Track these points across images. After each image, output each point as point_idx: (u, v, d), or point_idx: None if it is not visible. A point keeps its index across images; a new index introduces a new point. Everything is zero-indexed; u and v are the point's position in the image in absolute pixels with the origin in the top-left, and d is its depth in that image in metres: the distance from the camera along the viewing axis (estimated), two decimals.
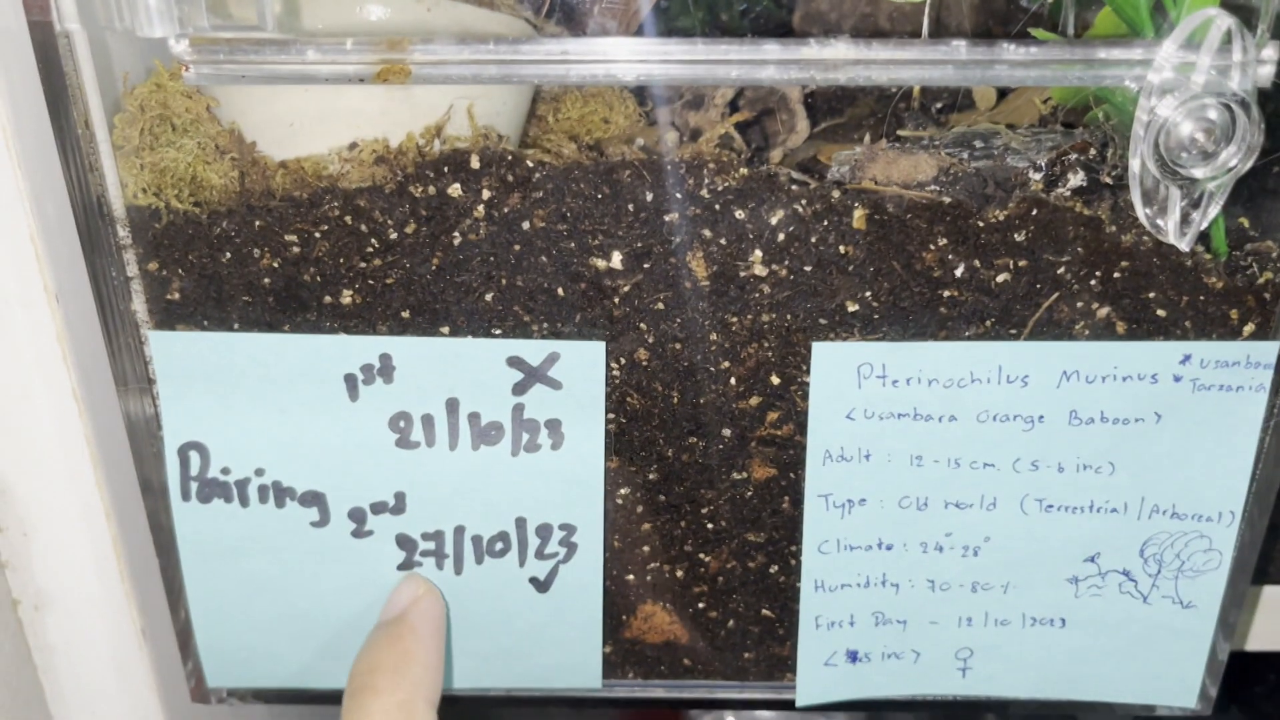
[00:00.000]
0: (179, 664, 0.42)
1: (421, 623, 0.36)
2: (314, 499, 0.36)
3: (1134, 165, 0.31)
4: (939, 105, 0.42)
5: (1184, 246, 0.31)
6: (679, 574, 0.38)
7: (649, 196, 0.32)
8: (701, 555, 0.38)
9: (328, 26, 0.38)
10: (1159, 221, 0.31)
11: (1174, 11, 0.32)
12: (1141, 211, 0.31)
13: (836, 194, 0.32)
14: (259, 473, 0.36)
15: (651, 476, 0.36)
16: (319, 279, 0.33)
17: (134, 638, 0.42)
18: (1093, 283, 0.33)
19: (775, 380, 0.35)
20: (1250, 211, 0.35)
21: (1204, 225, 0.31)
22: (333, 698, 0.41)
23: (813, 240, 0.33)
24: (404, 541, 0.37)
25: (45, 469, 0.38)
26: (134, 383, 0.35)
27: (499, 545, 0.37)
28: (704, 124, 0.41)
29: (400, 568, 0.37)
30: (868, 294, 0.33)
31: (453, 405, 0.35)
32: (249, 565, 0.37)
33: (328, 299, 0.34)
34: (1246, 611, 0.46)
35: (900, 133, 0.40)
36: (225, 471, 0.36)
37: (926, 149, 0.35)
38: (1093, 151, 0.34)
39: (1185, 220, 0.31)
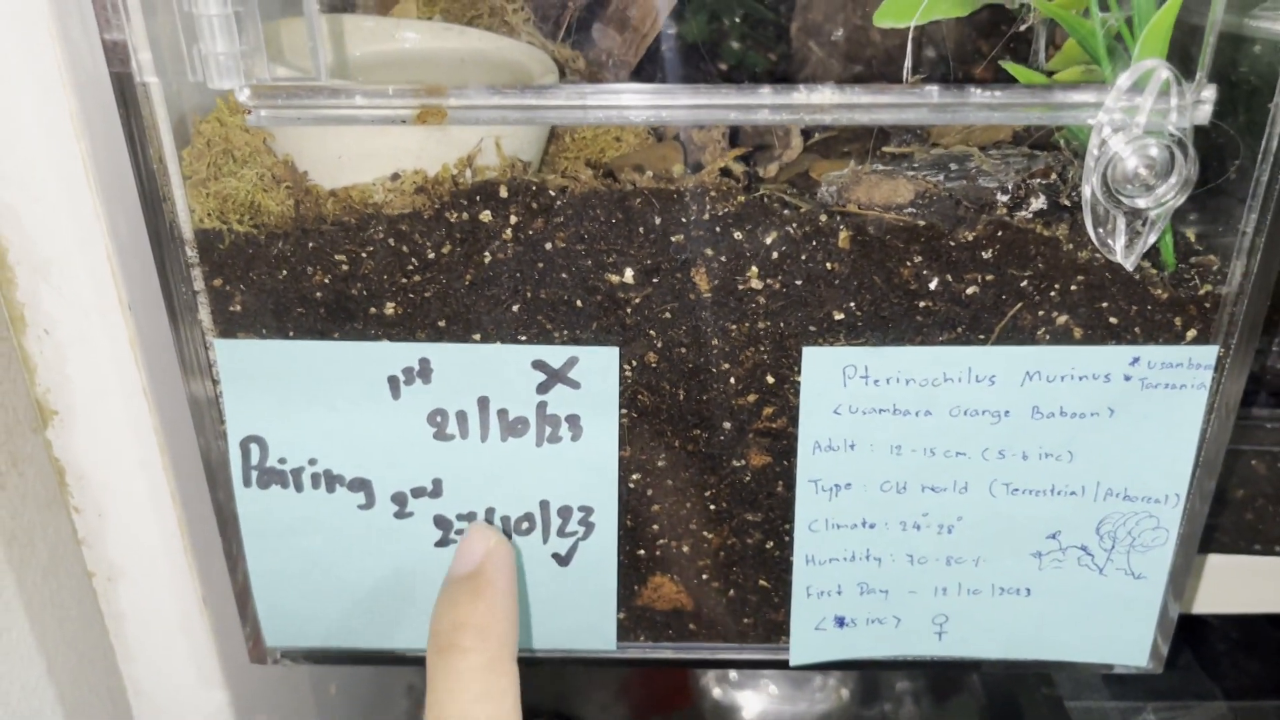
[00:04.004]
0: (237, 628, 0.46)
1: (498, 575, 0.36)
2: (360, 485, 0.40)
3: (1085, 193, 0.35)
4: None
5: (1129, 265, 0.35)
6: (685, 549, 0.43)
7: (658, 220, 0.36)
8: (705, 533, 0.42)
9: (365, 55, 0.42)
10: (1109, 242, 0.35)
11: (1131, 43, 0.36)
12: (1093, 233, 0.35)
13: (824, 217, 0.37)
14: (312, 462, 0.40)
15: (660, 464, 0.41)
16: (365, 293, 0.37)
17: (196, 605, 0.46)
18: (1052, 294, 0.37)
19: (770, 380, 0.39)
20: (1198, 224, 0.39)
21: (1146, 248, 0.35)
22: (374, 659, 0.46)
23: (803, 258, 0.37)
24: (440, 521, 0.41)
25: (118, 457, 0.43)
26: (199, 383, 0.40)
27: (525, 525, 0.41)
28: (707, 140, 0.45)
29: (437, 545, 0.41)
30: (852, 304, 0.37)
31: (483, 403, 0.39)
32: (303, 542, 0.42)
33: (373, 310, 0.38)
34: (1194, 578, 0.51)
35: (885, 149, 0.44)
36: (282, 461, 0.40)
37: (905, 172, 0.39)
38: (1054, 176, 0.38)
39: (1131, 242, 0.35)
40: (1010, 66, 0.39)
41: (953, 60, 0.49)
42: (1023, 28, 0.44)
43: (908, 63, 0.46)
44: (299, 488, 0.40)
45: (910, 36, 0.48)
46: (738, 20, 0.52)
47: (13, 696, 0.47)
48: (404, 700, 0.80)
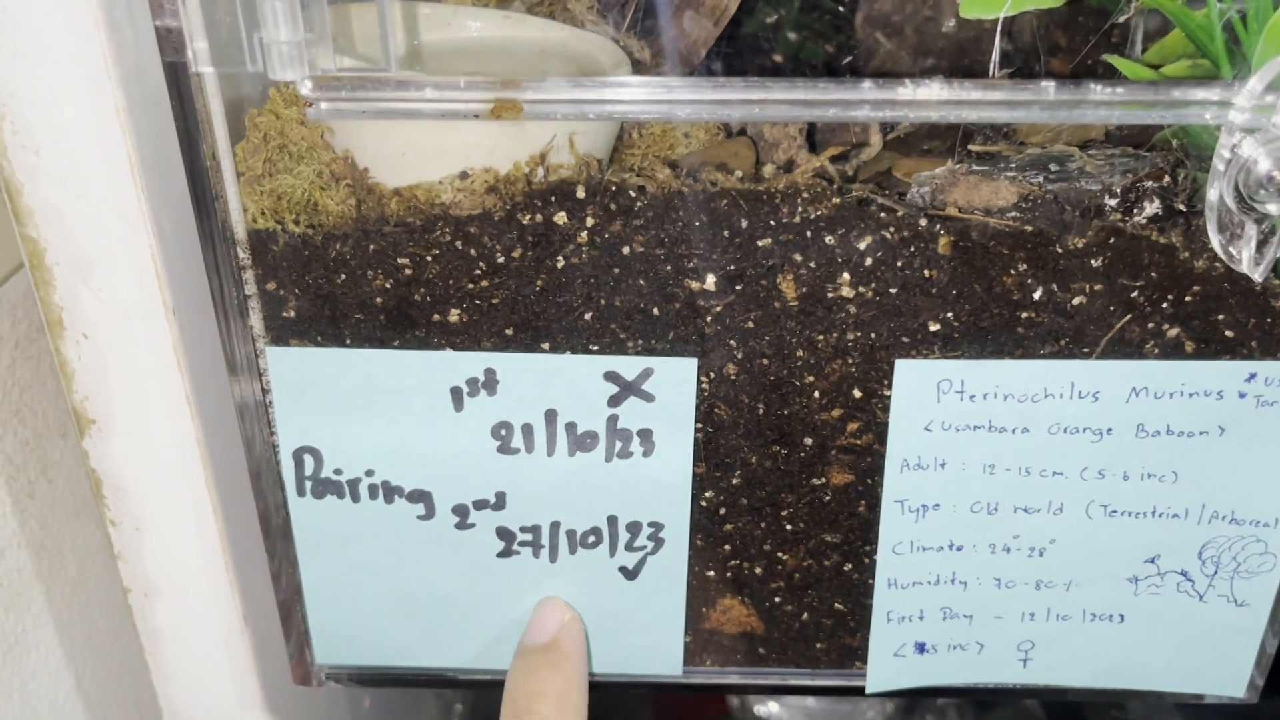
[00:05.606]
0: (278, 648, 0.44)
1: (574, 649, 0.39)
2: (420, 496, 0.38)
3: (1211, 197, 0.32)
4: None
5: (1258, 277, 0.33)
6: (758, 570, 0.40)
7: (744, 223, 0.34)
8: (780, 554, 0.40)
9: (430, 44, 0.40)
10: (1231, 250, 0.33)
11: (1246, 41, 0.34)
12: (1215, 240, 0.33)
13: (923, 221, 0.34)
14: (369, 473, 0.38)
15: (735, 481, 0.38)
16: (429, 299, 0.35)
17: (236, 624, 0.44)
18: (1164, 305, 0.35)
19: (857, 394, 0.36)
20: None
21: (1276, 257, 0.32)
22: (424, 680, 0.43)
23: (899, 264, 0.34)
24: (503, 533, 0.39)
25: (158, 469, 0.40)
26: (248, 390, 0.37)
27: (591, 538, 0.39)
28: (780, 137, 0.42)
29: (499, 556, 0.39)
30: (949, 314, 0.35)
31: (551, 416, 0.37)
32: (358, 552, 0.39)
33: (436, 317, 0.35)
34: None
35: (971, 148, 0.41)
36: (338, 472, 0.38)
37: (1005, 172, 0.36)
38: (1167, 179, 0.35)
39: (1260, 249, 0.33)
40: (1116, 61, 0.37)
41: (1039, 54, 0.46)
42: (1122, 20, 0.41)
43: (995, 56, 0.44)
44: (355, 498, 0.38)
45: (999, 29, 0.45)
46: (803, 10, 0.49)
47: (40, 712, 0.45)
48: (433, 706, 0.78)
